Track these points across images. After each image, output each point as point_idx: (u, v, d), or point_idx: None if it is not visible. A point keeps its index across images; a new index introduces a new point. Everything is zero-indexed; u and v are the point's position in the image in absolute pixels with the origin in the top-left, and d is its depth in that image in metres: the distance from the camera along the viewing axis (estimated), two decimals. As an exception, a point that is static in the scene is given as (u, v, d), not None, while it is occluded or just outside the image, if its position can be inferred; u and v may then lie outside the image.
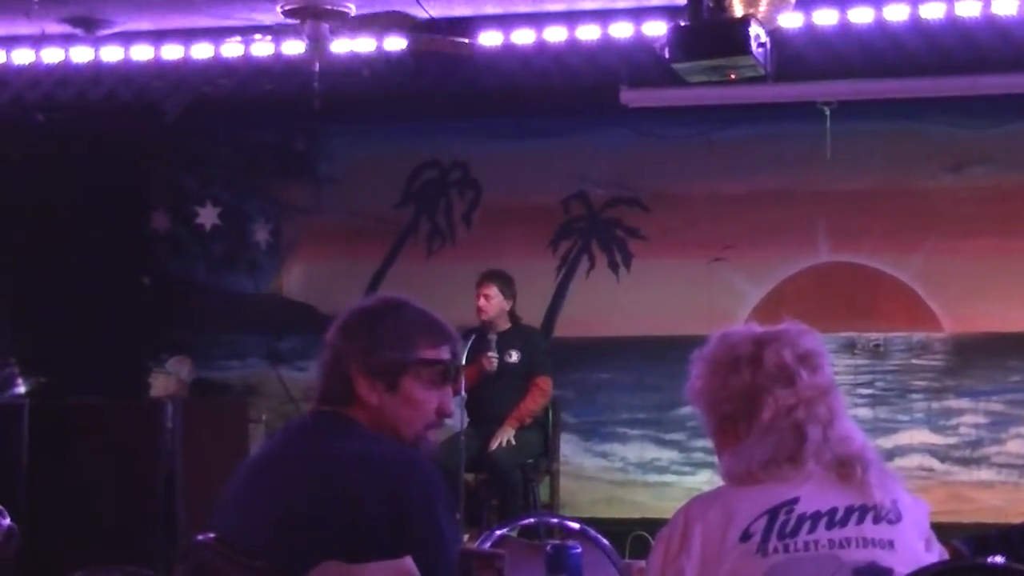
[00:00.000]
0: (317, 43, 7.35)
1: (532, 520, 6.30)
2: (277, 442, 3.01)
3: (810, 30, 7.68)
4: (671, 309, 9.31)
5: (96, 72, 8.48)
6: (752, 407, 2.69)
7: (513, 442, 7.58)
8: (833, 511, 2.59)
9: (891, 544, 2.58)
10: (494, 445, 7.55)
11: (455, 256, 9.69)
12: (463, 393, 7.47)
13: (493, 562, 2.70)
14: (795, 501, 2.59)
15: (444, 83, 8.61)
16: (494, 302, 7.80)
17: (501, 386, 7.71)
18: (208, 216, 10.23)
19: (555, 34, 7.96)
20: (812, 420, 2.66)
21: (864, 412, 8.81)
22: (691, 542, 2.61)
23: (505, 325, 7.87)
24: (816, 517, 2.58)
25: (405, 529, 2.71)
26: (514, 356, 7.81)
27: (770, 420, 2.66)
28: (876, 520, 2.61)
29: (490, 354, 7.67)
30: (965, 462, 8.93)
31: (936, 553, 2.69)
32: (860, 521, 2.60)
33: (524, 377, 7.82)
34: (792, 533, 2.56)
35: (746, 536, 2.57)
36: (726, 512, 2.62)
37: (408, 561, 2.64)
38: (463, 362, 7.39)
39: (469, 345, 7.51)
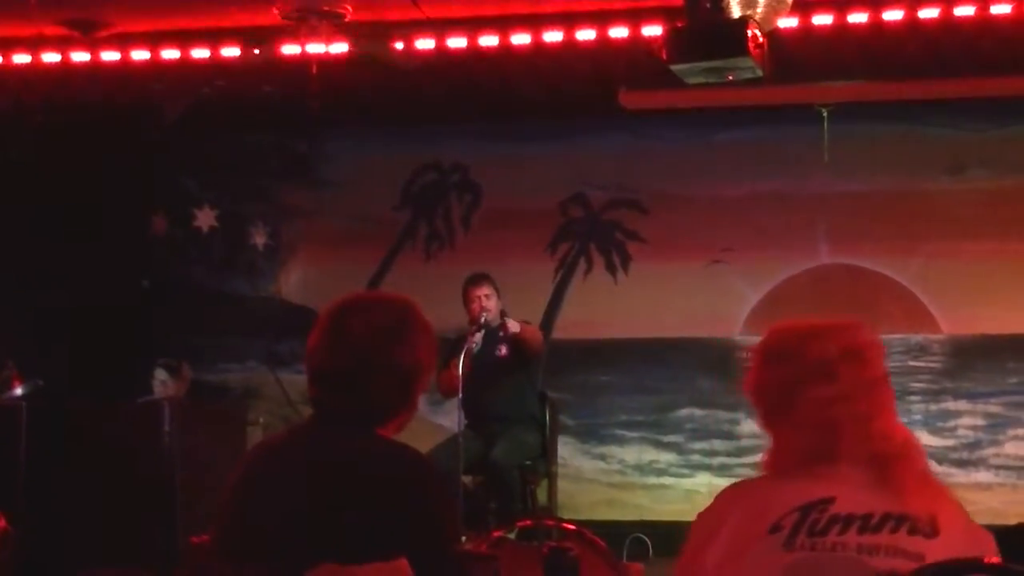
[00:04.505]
0: (315, 44, 7.37)
1: (530, 522, 6.30)
2: (280, 444, 3.01)
3: (807, 32, 7.67)
4: (669, 311, 9.31)
5: (94, 74, 8.47)
6: (790, 400, 2.67)
7: (517, 329, 7.60)
8: (868, 516, 2.55)
9: (922, 558, 2.51)
10: (502, 349, 7.70)
11: (453, 259, 9.69)
12: (459, 393, 7.47)
13: (489, 564, 2.69)
14: (831, 500, 2.56)
15: (443, 86, 8.60)
16: (493, 301, 7.81)
17: (495, 384, 7.71)
18: (206, 219, 10.24)
19: (553, 36, 7.95)
20: (849, 417, 2.62)
21: (862, 414, 8.80)
22: (722, 528, 2.60)
23: (496, 322, 7.89)
24: (849, 520, 2.54)
25: (406, 529, 2.71)
26: (504, 351, 7.82)
27: (806, 414, 2.64)
28: (911, 532, 2.54)
29: (473, 330, 7.67)
30: (963, 464, 8.93)
31: None
32: (894, 531, 2.54)
33: (517, 372, 7.81)
34: (822, 532, 2.53)
35: (776, 528, 2.55)
36: (760, 503, 2.60)
37: (403, 563, 2.64)
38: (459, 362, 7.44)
39: (466, 348, 7.51)
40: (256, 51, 7.77)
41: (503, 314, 7.86)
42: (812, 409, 2.64)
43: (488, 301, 7.78)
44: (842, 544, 2.52)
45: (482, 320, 7.70)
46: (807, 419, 2.64)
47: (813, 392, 2.64)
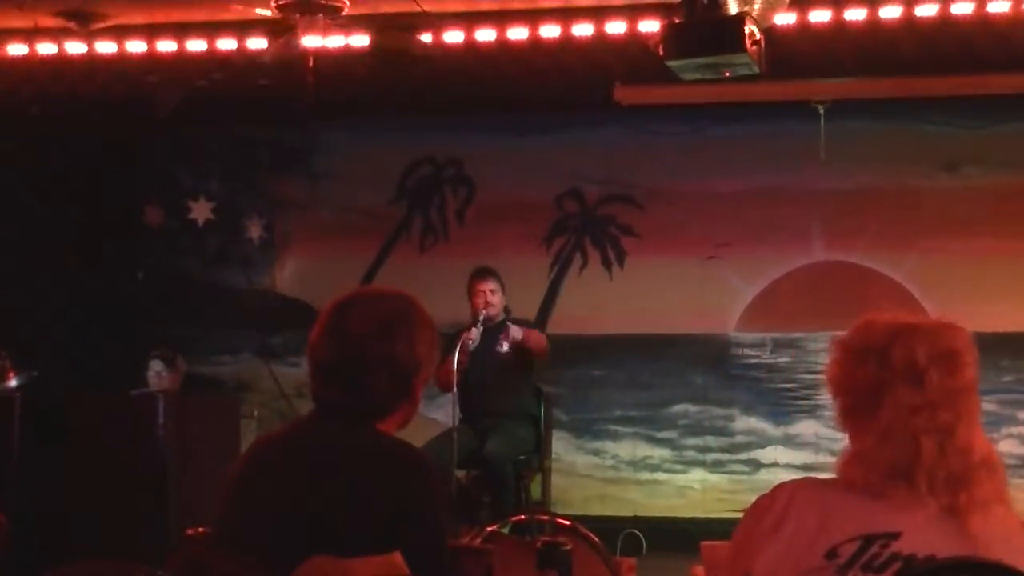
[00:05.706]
0: (311, 38, 7.35)
1: (524, 517, 6.30)
2: (281, 438, 3.01)
3: (804, 28, 7.67)
4: (664, 307, 9.32)
5: (90, 66, 8.46)
6: (872, 404, 2.50)
7: (519, 336, 7.56)
8: (929, 561, 2.38)
9: None
10: (504, 345, 7.58)
11: (448, 252, 9.69)
12: (454, 389, 7.47)
13: (482, 558, 2.69)
14: (895, 536, 2.40)
15: (439, 79, 8.59)
16: (498, 296, 7.79)
17: (493, 379, 7.69)
18: (201, 211, 10.23)
19: (550, 31, 7.95)
20: (931, 429, 2.46)
21: (855, 412, 8.81)
22: (780, 531, 2.46)
23: (499, 317, 7.88)
24: (909, 561, 2.38)
25: (402, 524, 2.71)
26: (505, 347, 7.80)
27: (888, 422, 2.47)
28: None
29: (470, 325, 7.65)
30: (957, 462, 8.93)
31: None
32: None
33: (517, 368, 7.79)
34: (879, 569, 2.38)
35: (832, 554, 2.40)
36: (824, 517, 2.45)
37: (397, 556, 2.64)
38: (455, 358, 7.43)
39: (461, 344, 7.50)
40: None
41: (507, 312, 7.85)
42: (895, 416, 2.47)
43: (493, 296, 7.76)
44: None
45: (481, 316, 7.68)
46: (889, 427, 2.47)
47: (898, 398, 2.47)
